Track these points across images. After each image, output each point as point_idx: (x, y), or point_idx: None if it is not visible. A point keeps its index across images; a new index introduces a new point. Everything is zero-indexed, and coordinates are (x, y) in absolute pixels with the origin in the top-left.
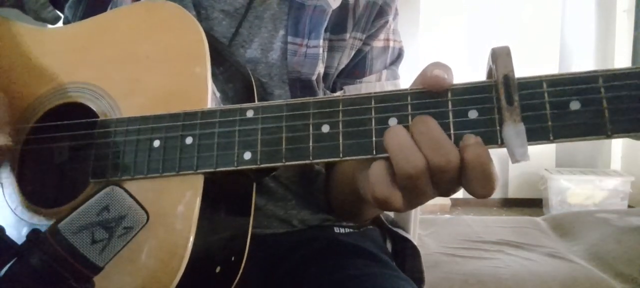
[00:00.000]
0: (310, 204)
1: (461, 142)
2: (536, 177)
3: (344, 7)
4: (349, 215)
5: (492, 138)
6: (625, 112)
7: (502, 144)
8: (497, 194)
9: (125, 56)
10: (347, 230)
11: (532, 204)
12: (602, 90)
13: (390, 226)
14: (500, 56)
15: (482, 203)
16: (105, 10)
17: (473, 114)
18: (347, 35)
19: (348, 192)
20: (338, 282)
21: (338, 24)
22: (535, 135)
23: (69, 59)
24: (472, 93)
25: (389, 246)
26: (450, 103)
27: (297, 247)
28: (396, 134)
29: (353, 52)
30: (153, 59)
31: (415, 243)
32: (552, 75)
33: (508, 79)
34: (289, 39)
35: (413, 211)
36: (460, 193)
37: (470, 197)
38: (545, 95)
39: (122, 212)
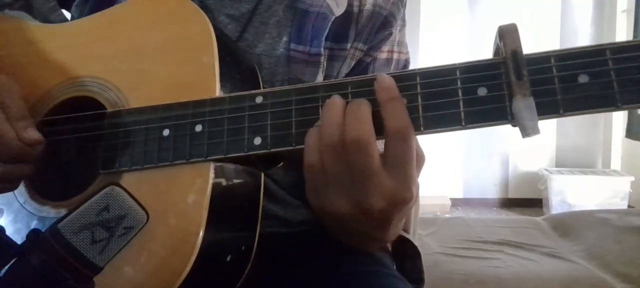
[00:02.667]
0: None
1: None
2: (536, 177)
3: (347, 16)
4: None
5: (503, 114)
6: (633, 83)
7: (512, 120)
8: (497, 194)
9: (132, 48)
10: None
11: (532, 204)
12: (610, 62)
13: None
14: (508, 33)
15: (482, 203)
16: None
17: (482, 91)
18: (348, 45)
19: None
20: (332, 279)
21: (340, 33)
22: (546, 109)
23: (77, 53)
24: (481, 70)
25: (388, 246)
26: (459, 81)
27: (295, 246)
28: (333, 104)
29: (353, 63)
30: (160, 50)
31: (416, 243)
32: (560, 50)
33: (516, 54)
34: (292, 46)
35: (413, 211)
36: (461, 193)
37: (471, 197)
38: (554, 69)
39: (122, 212)
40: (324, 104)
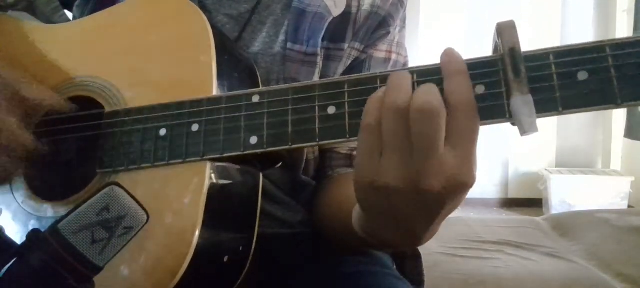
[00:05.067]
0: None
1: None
2: (536, 177)
3: (345, 16)
4: (334, 242)
5: (500, 112)
6: (634, 79)
7: (510, 118)
8: (497, 194)
9: (130, 48)
10: None
11: (532, 204)
12: (610, 59)
13: None
14: (506, 30)
15: (482, 203)
16: None
17: (480, 89)
18: (346, 45)
19: (339, 226)
20: (332, 279)
21: (337, 33)
22: (545, 106)
23: (77, 53)
24: (479, 68)
25: None
26: None
27: (295, 247)
28: (402, 75)
29: (349, 62)
30: (158, 49)
31: None
32: (559, 47)
33: (514, 51)
34: (288, 45)
35: None
36: None
37: (470, 196)
38: (552, 66)
39: (122, 212)
40: (388, 80)
